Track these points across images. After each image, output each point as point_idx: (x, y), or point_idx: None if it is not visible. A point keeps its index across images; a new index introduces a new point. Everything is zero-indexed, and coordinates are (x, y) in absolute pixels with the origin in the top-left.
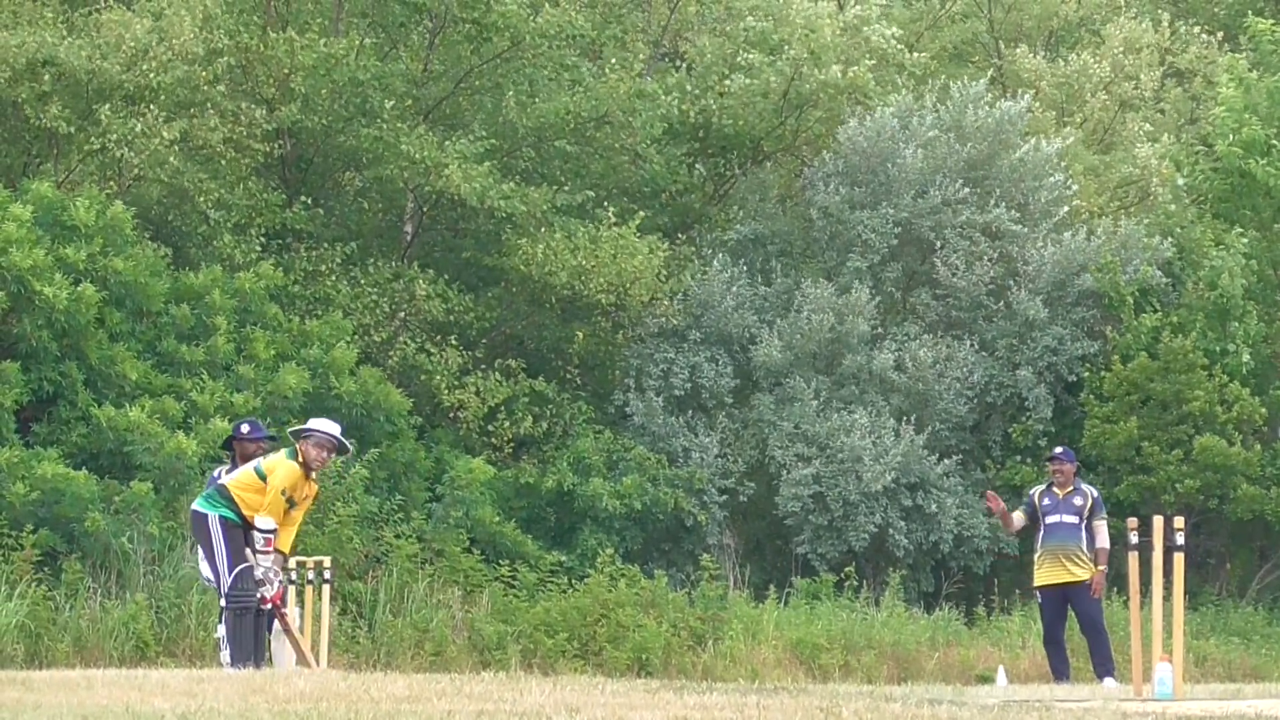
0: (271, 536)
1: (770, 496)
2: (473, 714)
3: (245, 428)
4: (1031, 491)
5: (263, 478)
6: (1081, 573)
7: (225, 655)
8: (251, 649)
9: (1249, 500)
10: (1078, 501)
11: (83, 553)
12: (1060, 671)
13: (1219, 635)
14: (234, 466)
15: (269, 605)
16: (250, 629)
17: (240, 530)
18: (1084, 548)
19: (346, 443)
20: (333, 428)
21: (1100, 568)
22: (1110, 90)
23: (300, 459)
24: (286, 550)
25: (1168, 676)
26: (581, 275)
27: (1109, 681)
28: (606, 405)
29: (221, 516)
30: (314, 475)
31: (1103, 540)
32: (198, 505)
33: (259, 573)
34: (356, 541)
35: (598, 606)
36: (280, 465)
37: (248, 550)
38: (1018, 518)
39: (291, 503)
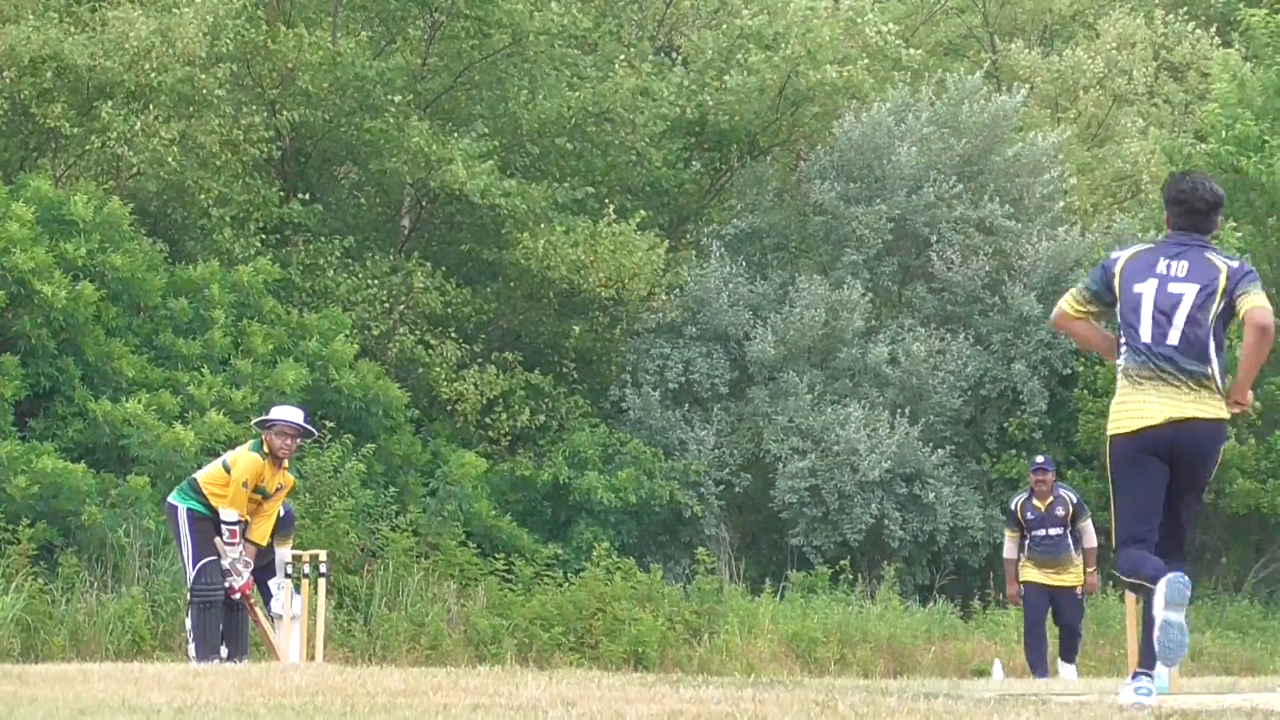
0: (236, 528)
1: (766, 489)
2: (469, 707)
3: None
4: (1012, 506)
5: (229, 471)
6: (1069, 578)
7: (191, 649)
8: (218, 643)
9: (1244, 494)
10: (1060, 512)
11: (79, 546)
12: (1039, 667)
13: (1215, 629)
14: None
15: (237, 595)
16: (216, 622)
17: (209, 523)
18: (1073, 555)
19: (310, 428)
20: (295, 414)
21: (1090, 569)
22: (1104, 85)
23: (266, 449)
24: (262, 542)
25: (1163, 671)
26: (580, 269)
27: (1069, 669)
28: (602, 399)
29: (190, 509)
30: (285, 465)
31: (1090, 540)
32: (171, 497)
33: (225, 563)
34: (352, 535)
35: (593, 600)
36: (242, 458)
37: (217, 542)
38: (1011, 548)
39: (263, 493)
